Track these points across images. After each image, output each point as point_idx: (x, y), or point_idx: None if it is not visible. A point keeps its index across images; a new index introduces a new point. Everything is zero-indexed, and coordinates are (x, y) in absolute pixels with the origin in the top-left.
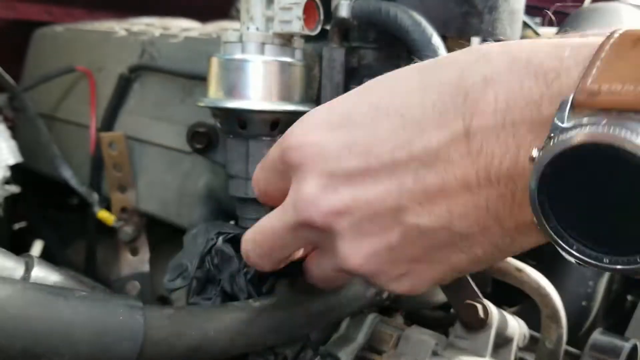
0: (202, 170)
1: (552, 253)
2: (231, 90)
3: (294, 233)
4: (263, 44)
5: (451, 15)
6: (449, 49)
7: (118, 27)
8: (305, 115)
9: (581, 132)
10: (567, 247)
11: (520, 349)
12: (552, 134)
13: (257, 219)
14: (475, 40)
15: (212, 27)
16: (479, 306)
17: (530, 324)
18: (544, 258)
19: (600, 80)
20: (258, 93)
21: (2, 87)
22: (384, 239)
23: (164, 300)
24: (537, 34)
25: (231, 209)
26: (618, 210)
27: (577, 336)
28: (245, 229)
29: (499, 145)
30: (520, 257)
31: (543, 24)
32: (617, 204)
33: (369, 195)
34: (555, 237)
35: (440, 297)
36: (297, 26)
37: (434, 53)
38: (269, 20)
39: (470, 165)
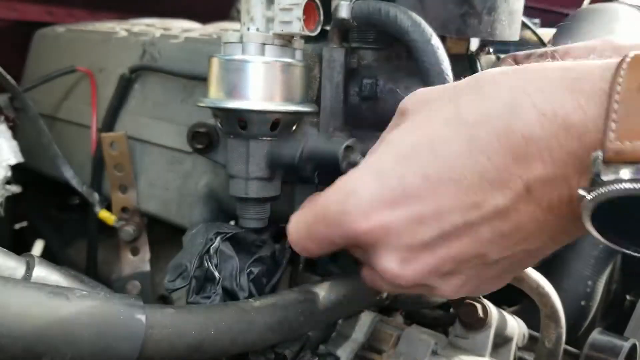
0: (203, 171)
1: (552, 253)
2: (231, 90)
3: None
4: (263, 44)
5: (450, 16)
6: (448, 49)
7: (119, 27)
8: (351, 191)
9: (616, 187)
10: (624, 250)
11: (519, 348)
12: (594, 183)
13: (257, 219)
14: (474, 41)
15: (213, 28)
16: (479, 306)
17: (530, 324)
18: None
19: (622, 137)
20: (258, 93)
21: (4, 87)
22: (471, 273)
23: (164, 300)
24: (536, 34)
25: (231, 209)
26: None
27: (576, 336)
28: (245, 228)
29: (555, 188)
30: None
31: (543, 25)
32: None
33: (451, 253)
34: (613, 244)
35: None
36: (297, 27)
37: (433, 54)
38: (269, 21)
39: (535, 207)
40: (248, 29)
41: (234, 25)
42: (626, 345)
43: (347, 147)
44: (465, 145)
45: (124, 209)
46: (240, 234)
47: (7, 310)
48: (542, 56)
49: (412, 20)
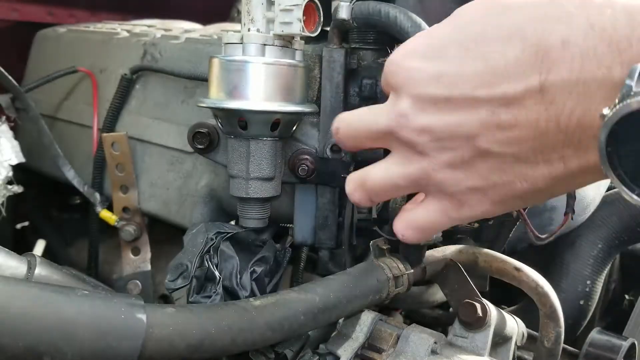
0: (203, 171)
1: (551, 253)
2: (232, 91)
3: (380, 136)
4: (264, 45)
5: None
6: None
7: (120, 28)
8: (408, 40)
9: None
10: (629, 192)
11: (518, 347)
12: (622, 96)
13: (257, 219)
14: None
15: (213, 29)
16: (478, 305)
17: (529, 323)
18: (542, 258)
19: None
20: (259, 94)
21: (5, 87)
22: (458, 153)
23: (165, 299)
24: None
25: (232, 209)
26: None
27: (575, 335)
28: (246, 228)
29: (571, 99)
30: (520, 258)
31: None
32: None
33: (448, 120)
34: (620, 182)
35: (439, 296)
36: (297, 28)
37: None
38: (270, 21)
39: (542, 111)
40: (248, 29)
41: (235, 26)
42: (625, 344)
43: None
44: (509, 32)
45: (125, 209)
46: (240, 233)
47: (8, 309)
48: None
49: (412, 21)
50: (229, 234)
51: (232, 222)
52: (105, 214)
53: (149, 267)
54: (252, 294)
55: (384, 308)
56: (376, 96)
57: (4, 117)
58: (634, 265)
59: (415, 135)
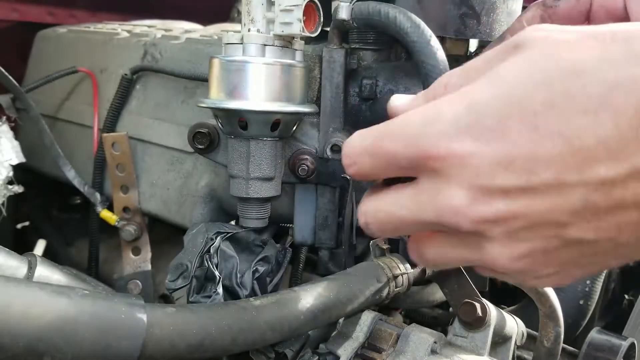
0: (204, 171)
1: None
2: (232, 91)
3: (425, 225)
4: (264, 45)
5: (449, 17)
6: (447, 50)
7: (120, 28)
8: (439, 106)
9: None
10: None
11: (518, 347)
12: None
13: (258, 219)
14: (473, 42)
15: (214, 29)
16: (478, 305)
17: (528, 323)
18: None
19: None
20: (259, 94)
21: (6, 87)
22: (540, 245)
23: (165, 299)
24: None
25: (232, 209)
26: None
27: (575, 335)
28: (246, 228)
29: None
30: None
31: None
32: None
33: (528, 210)
34: None
35: (439, 295)
36: (297, 28)
37: (432, 55)
38: (270, 22)
39: None
40: (249, 30)
41: (235, 26)
42: (624, 344)
43: None
44: (594, 103)
45: (125, 209)
46: (240, 233)
47: (9, 309)
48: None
49: (412, 21)
50: (229, 234)
51: (232, 222)
52: (105, 213)
53: (149, 267)
54: (254, 293)
55: (384, 308)
56: (376, 96)
57: (4, 117)
58: (634, 265)
59: (485, 225)
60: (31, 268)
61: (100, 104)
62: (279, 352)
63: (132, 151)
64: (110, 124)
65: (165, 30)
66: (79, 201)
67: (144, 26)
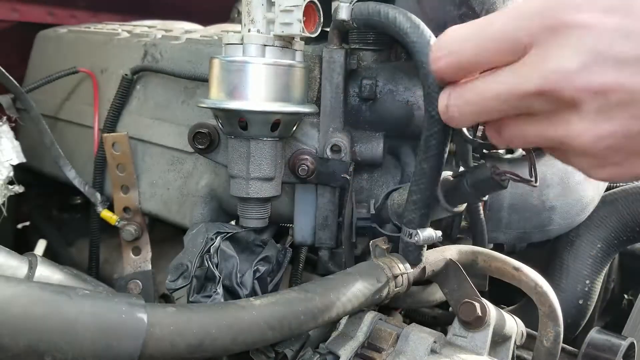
0: (204, 171)
1: (550, 253)
2: (232, 91)
3: (520, 101)
4: (264, 46)
5: (449, 17)
6: None
7: (121, 29)
8: None
9: None
10: None
11: (518, 347)
12: None
13: (258, 219)
14: None
15: (214, 30)
16: (477, 304)
17: (528, 323)
18: (541, 258)
19: None
20: (259, 94)
21: (6, 88)
22: (626, 126)
23: (166, 299)
24: None
25: (232, 209)
26: None
27: (575, 334)
28: (246, 228)
29: None
30: (518, 257)
31: None
32: None
33: (635, 84)
34: None
35: (439, 295)
36: (297, 28)
37: None
38: (270, 22)
39: None
40: (249, 30)
41: (235, 26)
42: (624, 344)
43: (493, 166)
44: None
45: (125, 209)
46: (240, 233)
47: (9, 309)
48: None
49: (411, 21)
50: (229, 234)
51: (232, 222)
52: (106, 213)
53: (149, 266)
54: (254, 293)
55: (384, 308)
56: (376, 96)
57: (5, 118)
58: (633, 265)
59: (586, 94)
60: (32, 268)
61: (101, 104)
62: (279, 352)
63: (132, 151)
64: (111, 124)
65: (166, 30)
66: (79, 201)
67: (144, 26)
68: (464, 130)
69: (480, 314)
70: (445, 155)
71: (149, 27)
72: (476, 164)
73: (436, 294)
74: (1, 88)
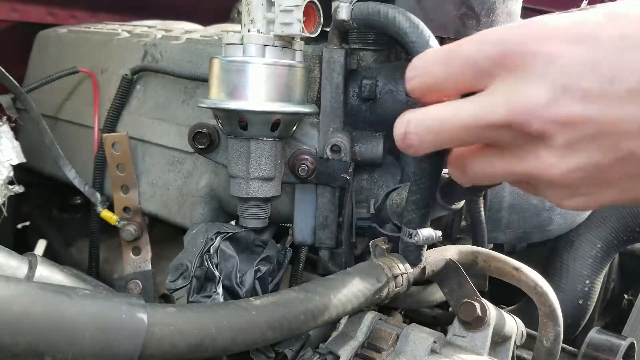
0: (204, 171)
1: (550, 253)
2: (232, 91)
3: (485, 131)
4: (264, 46)
5: (449, 18)
6: None
7: (120, 29)
8: (535, 20)
9: None
10: None
11: (518, 347)
12: None
13: (258, 219)
14: None
15: (214, 30)
16: (477, 304)
17: (528, 323)
18: (541, 258)
19: None
20: (259, 94)
21: (6, 88)
22: (594, 159)
23: (166, 299)
24: None
25: (232, 209)
26: None
27: (575, 334)
28: (246, 228)
29: None
30: (518, 257)
31: None
32: None
33: (602, 116)
34: None
35: (439, 295)
36: (297, 28)
37: None
38: (270, 22)
39: None
40: (249, 30)
41: (235, 26)
42: (624, 344)
43: None
44: None
45: (125, 209)
46: (240, 233)
47: (9, 309)
48: None
49: (411, 21)
50: (229, 234)
51: (232, 222)
52: (106, 214)
53: (149, 266)
54: (255, 293)
55: (384, 308)
56: (376, 96)
57: (5, 118)
58: (633, 265)
59: (554, 127)
60: (32, 268)
61: (101, 104)
62: (279, 352)
63: (132, 151)
64: (111, 124)
65: (166, 30)
66: (79, 201)
67: (144, 26)
68: None
69: (480, 314)
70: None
71: (149, 27)
72: None
73: (436, 294)
74: (1, 88)
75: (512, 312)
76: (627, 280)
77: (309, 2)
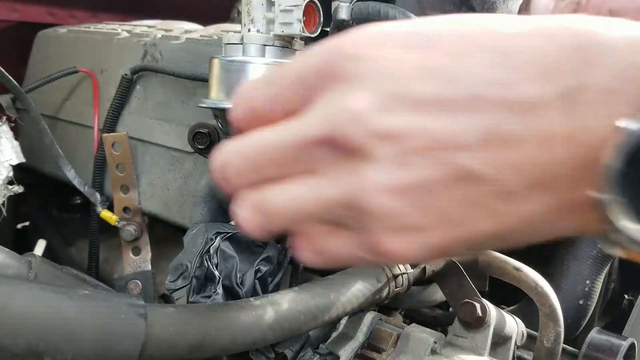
0: (204, 170)
1: (550, 253)
2: (232, 91)
3: (304, 151)
4: (264, 45)
5: None
6: None
7: (120, 29)
8: (373, 25)
9: None
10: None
11: (518, 347)
12: None
13: None
14: None
15: (214, 29)
16: (477, 305)
17: (528, 323)
18: (542, 258)
19: None
20: None
21: (6, 88)
22: (422, 176)
23: (166, 299)
24: None
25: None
26: None
27: (575, 335)
28: None
29: (604, 110)
30: (518, 257)
31: None
32: None
33: (432, 127)
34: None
35: (439, 295)
36: (297, 28)
37: None
38: (270, 22)
39: (564, 123)
40: (249, 30)
41: (235, 26)
42: (624, 344)
43: None
44: (539, 31)
45: (125, 209)
46: (240, 233)
47: (8, 309)
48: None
49: None
50: (229, 234)
51: (232, 222)
52: (105, 214)
53: (149, 267)
54: (255, 293)
55: (384, 308)
56: None
57: (4, 118)
58: (634, 265)
59: (373, 140)
60: (31, 268)
61: (101, 104)
62: (278, 353)
63: (132, 151)
64: (111, 124)
65: (166, 30)
66: (79, 201)
67: (144, 26)
68: None
69: (480, 314)
70: None
71: (149, 27)
72: None
73: (436, 294)
74: (1, 88)
75: (512, 312)
76: (627, 280)
77: (309, 2)
